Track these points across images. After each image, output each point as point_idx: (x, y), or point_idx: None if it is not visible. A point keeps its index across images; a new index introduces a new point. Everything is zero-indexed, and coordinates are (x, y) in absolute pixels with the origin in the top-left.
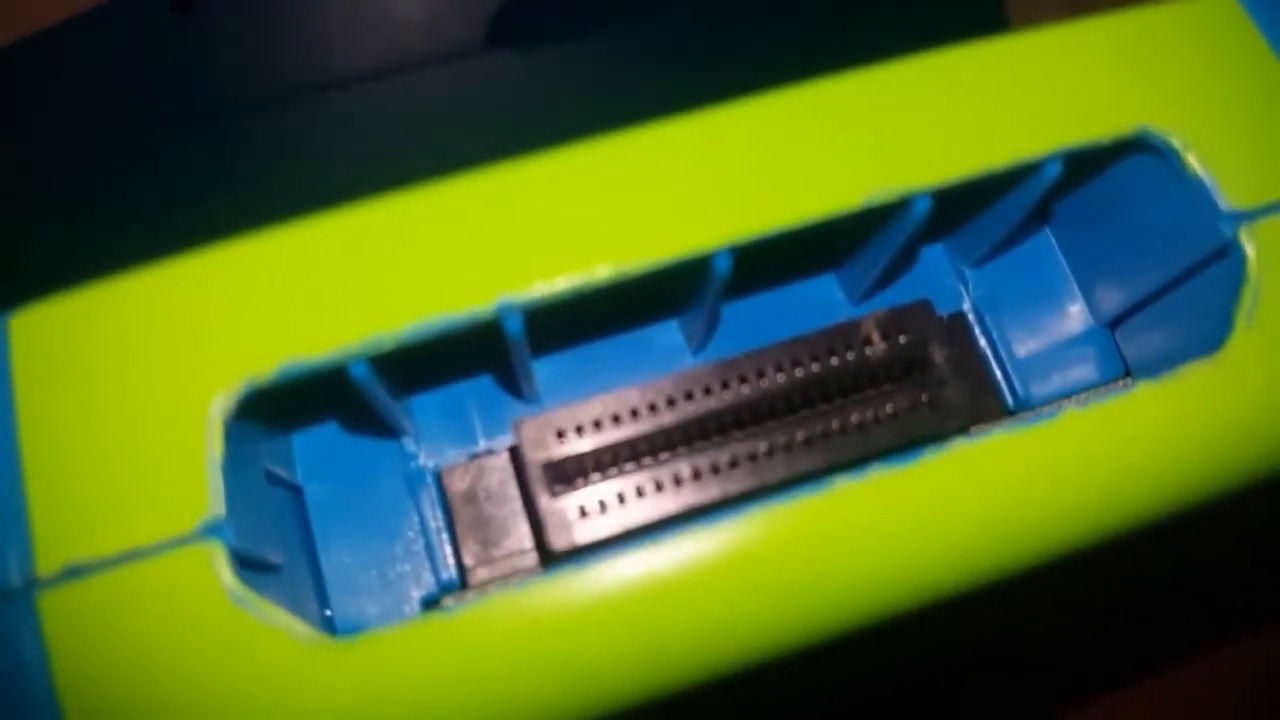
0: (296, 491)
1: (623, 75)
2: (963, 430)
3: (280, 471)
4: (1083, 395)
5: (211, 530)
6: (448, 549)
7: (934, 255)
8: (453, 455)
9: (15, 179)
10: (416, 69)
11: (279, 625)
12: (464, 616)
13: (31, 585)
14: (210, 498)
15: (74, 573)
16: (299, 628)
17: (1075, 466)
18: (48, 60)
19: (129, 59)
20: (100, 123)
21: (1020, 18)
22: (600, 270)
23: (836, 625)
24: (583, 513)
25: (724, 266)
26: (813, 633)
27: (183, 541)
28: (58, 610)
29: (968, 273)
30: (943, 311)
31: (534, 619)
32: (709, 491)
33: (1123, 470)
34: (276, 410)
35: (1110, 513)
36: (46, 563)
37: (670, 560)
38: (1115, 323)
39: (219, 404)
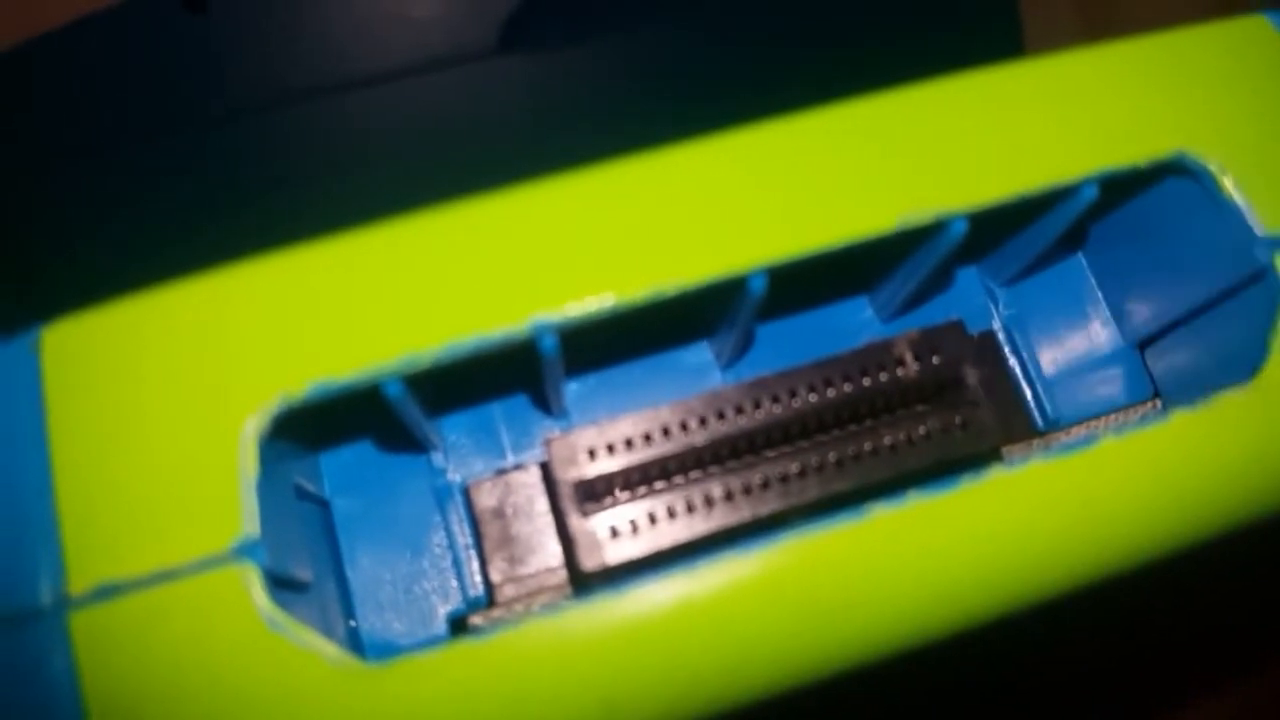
0: (324, 505)
1: (636, 81)
2: (994, 451)
3: (308, 485)
4: (1116, 418)
5: (245, 551)
6: (475, 565)
7: (965, 273)
8: (481, 469)
9: (27, 179)
10: (431, 70)
11: (313, 649)
12: (496, 642)
13: (63, 604)
14: (244, 517)
15: (106, 593)
16: (332, 651)
17: (1112, 494)
18: (59, 60)
19: (141, 59)
20: (113, 123)
21: (1036, 40)
22: (635, 291)
23: (872, 651)
24: (614, 533)
25: (759, 288)
26: (848, 658)
27: (216, 562)
28: (89, 631)
29: (998, 291)
30: (973, 329)
31: (568, 646)
32: (740, 512)
33: (1159, 498)
34: (309, 429)
35: (1146, 540)
36: (79, 582)
37: (706, 587)
38: (1145, 343)
39: (253, 422)
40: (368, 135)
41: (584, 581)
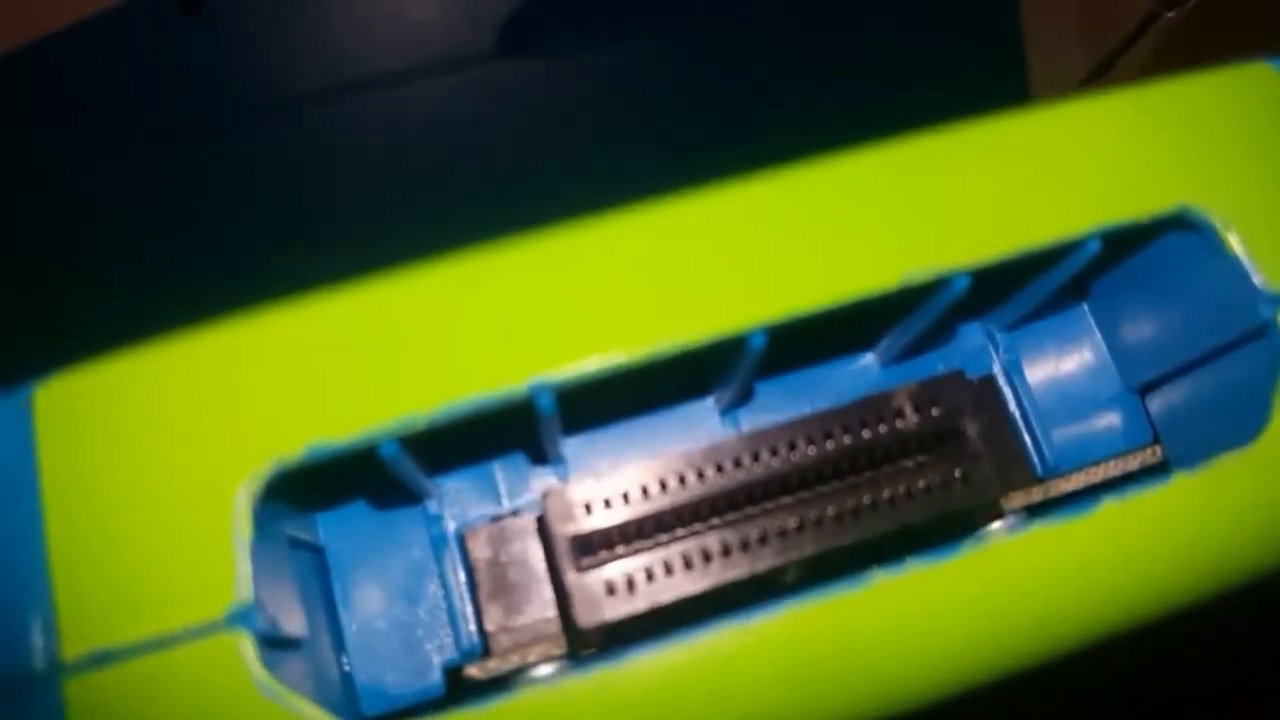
0: (318, 552)
1: (633, 85)
2: (994, 502)
3: (302, 535)
4: (1114, 464)
5: (239, 618)
6: (470, 613)
7: (965, 318)
8: (476, 515)
9: (22, 181)
10: (428, 74)
11: (307, 718)
12: (493, 711)
13: (57, 670)
14: (238, 583)
15: (100, 659)
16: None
17: (1112, 558)
18: (55, 64)
19: (136, 62)
20: (107, 126)
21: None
22: (634, 349)
23: (872, 715)
24: (610, 589)
25: (759, 345)
26: None
27: (211, 630)
28: (83, 698)
29: (998, 335)
30: (972, 373)
31: (565, 717)
32: (738, 568)
33: (1160, 561)
34: (304, 488)
35: (1147, 602)
36: (72, 648)
37: (705, 656)
38: (1145, 388)
39: (247, 486)
40: (365, 139)
41: (580, 633)
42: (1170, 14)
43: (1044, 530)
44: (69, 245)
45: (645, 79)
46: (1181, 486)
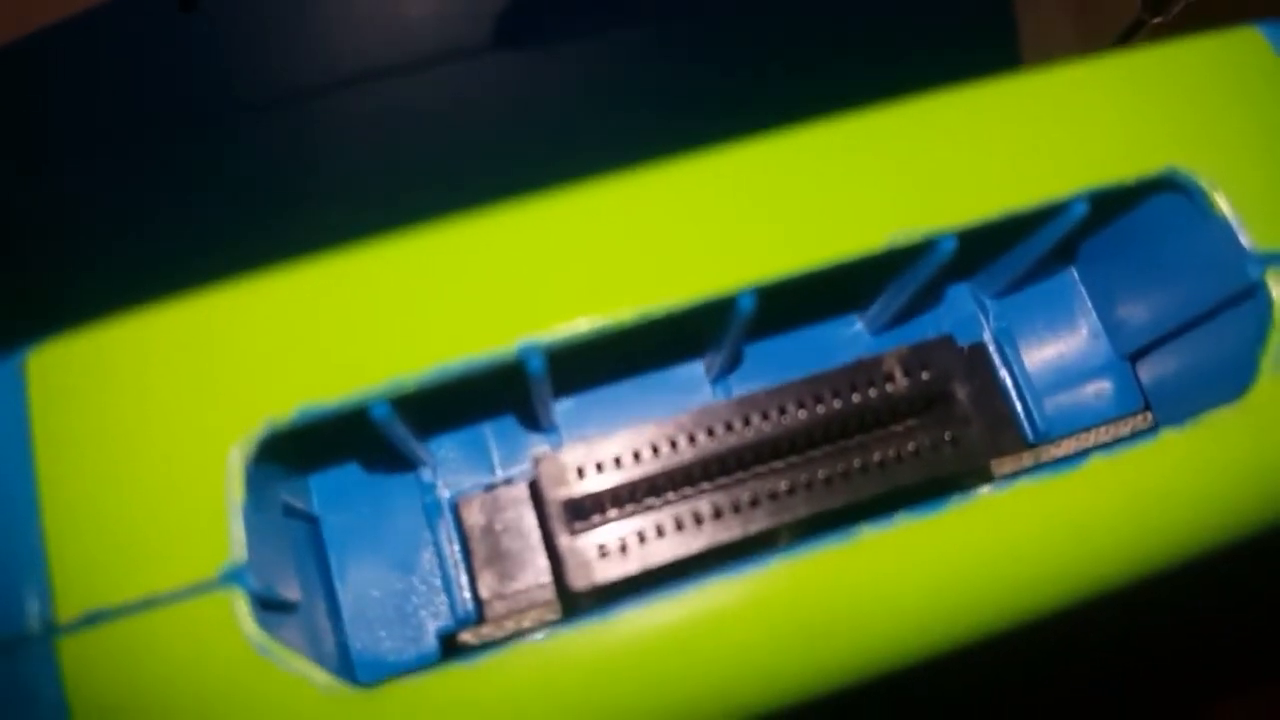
0: (313, 522)
1: (627, 77)
2: (984, 466)
3: (296, 503)
4: (1105, 430)
5: (233, 577)
6: (464, 581)
7: (955, 286)
8: (470, 484)
9: (16, 177)
10: (424, 67)
11: (302, 674)
12: (486, 666)
13: (51, 631)
14: (231, 543)
15: (94, 619)
16: (321, 677)
17: (1101, 513)
18: (51, 58)
19: (132, 57)
20: (102, 121)
21: (1032, 50)
22: (624, 311)
23: (863, 671)
24: (602, 552)
25: (748, 307)
26: (839, 678)
27: (204, 589)
28: (78, 657)
29: (988, 303)
30: (963, 341)
31: (558, 670)
32: (730, 530)
33: (1148, 517)
34: (297, 451)
35: (1136, 558)
36: (66, 608)
37: (695, 611)
38: (1136, 354)
39: (239, 447)
40: (363, 132)
41: (573, 598)
42: (1157, 19)
43: (1031, 485)
44: (65, 239)
45: (638, 67)
46: (1168, 442)
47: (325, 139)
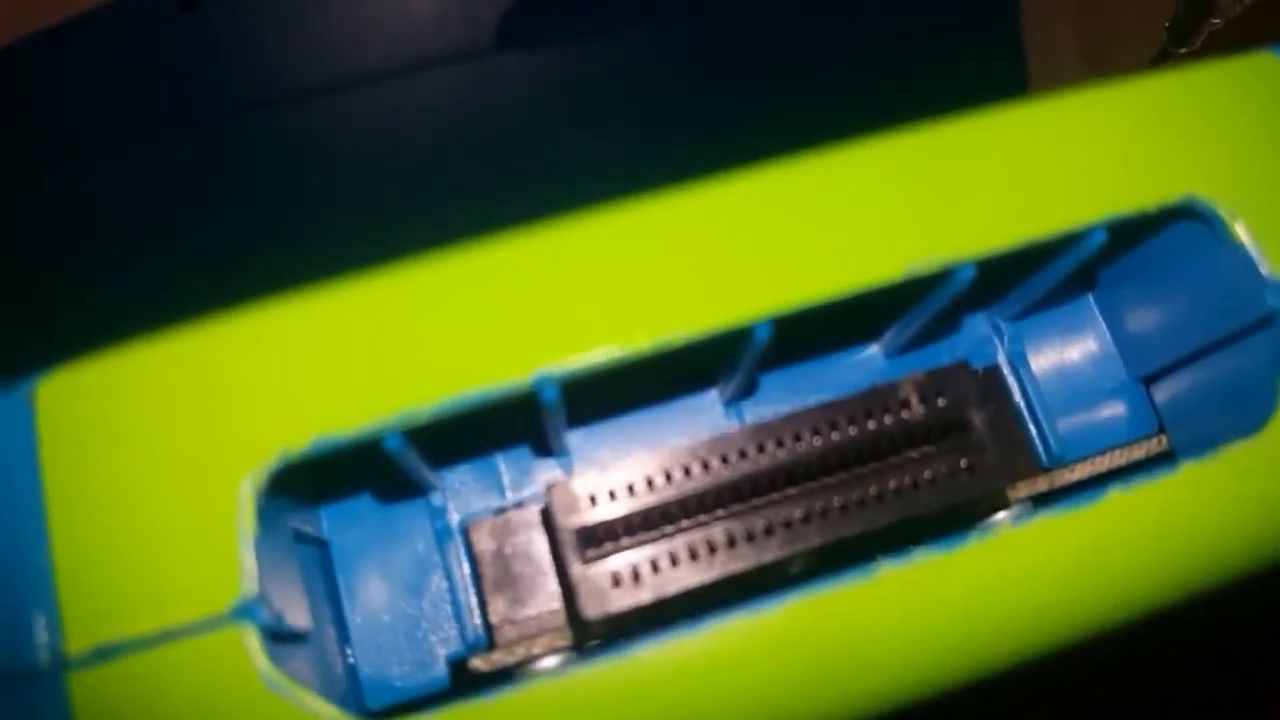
0: (323, 546)
1: (627, 79)
2: (999, 492)
3: (306, 528)
4: (1119, 453)
5: (244, 612)
6: (474, 606)
7: (970, 310)
8: (480, 507)
9: (18, 177)
10: (425, 69)
11: (312, 711)
12: (498, 705)
13: (61, 665)
14: (243, 577)
15: (104, 654)
16: (331, 713)
17: (1119, 547)
18: (52, 58)
19: (132, 57)
20: (102, 121)
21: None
22: (639, 341)
23: (881, 705)
24: (616, 580)
25: (764, 336)
26: (858, 713)
27: (216, 624)
28: (88, 692)
29: (1003, 325)
30: (977, 363)
31: (572, 711)
32: (743, 559)
33: (1166, 551)
34: (309, 482)
35: (1153, 591)
36: (77, 642)
37: (712, 649)
38: (1150, 377)
39: (251, 479)
40: (364, 133)
41: (585, 625)
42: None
43: (1050, 520)
44: (65, 240)
45: (643, 71)
46: (1188, 476)
47: (325, 139)
